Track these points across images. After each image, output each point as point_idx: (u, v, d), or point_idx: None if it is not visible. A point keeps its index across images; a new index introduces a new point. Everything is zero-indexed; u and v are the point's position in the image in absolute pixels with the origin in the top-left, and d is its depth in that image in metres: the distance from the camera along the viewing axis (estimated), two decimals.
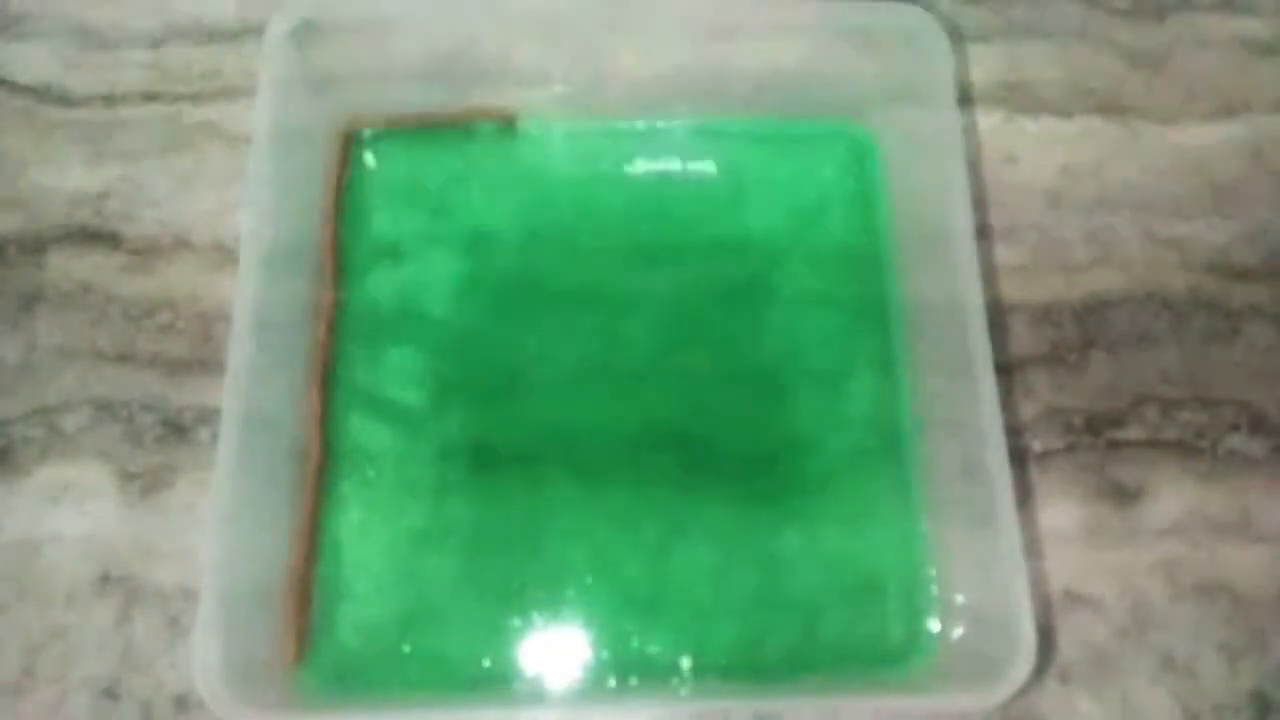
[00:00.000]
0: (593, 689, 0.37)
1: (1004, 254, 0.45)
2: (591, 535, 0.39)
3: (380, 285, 0.42)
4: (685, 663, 0.37)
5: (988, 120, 0.47)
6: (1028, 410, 0.42)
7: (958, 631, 0.37)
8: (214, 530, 0.33)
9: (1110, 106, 0.47)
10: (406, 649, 0.37)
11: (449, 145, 0.44)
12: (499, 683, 0.37)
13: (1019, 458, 0.41)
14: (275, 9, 0.39)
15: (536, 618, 0.38)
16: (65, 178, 0.44)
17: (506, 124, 0.44)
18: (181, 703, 0.37)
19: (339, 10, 0.40)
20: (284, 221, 0.39)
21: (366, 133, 0.44)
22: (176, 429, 0.41)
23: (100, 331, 0.42)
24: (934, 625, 0.38)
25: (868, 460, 0.40)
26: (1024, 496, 0.41)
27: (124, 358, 0.42)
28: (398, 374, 0.41)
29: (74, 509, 0.39)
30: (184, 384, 0.41)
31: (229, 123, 0.45)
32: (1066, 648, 0.39)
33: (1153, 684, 0.39)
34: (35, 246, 0.43)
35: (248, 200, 0.37)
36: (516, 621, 0.38)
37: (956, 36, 0.48)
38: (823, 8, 0.41)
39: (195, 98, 0.46)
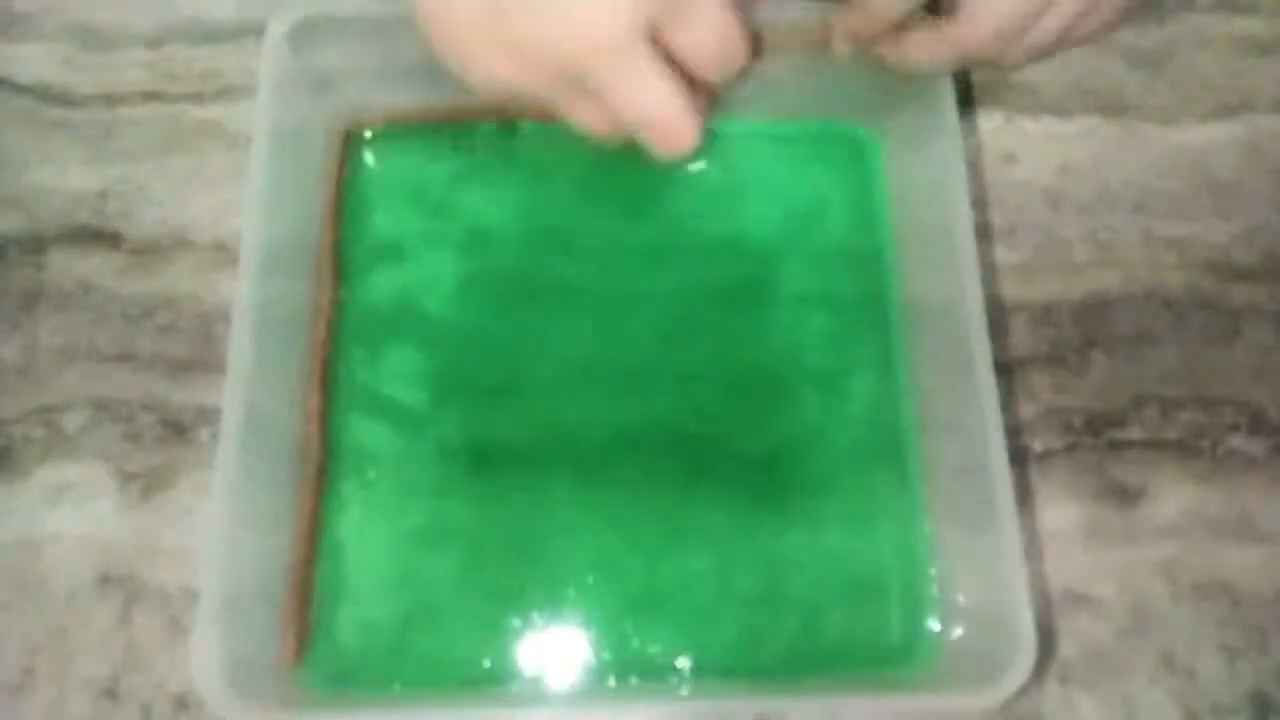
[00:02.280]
0: (593, 689, 0.37)
1: (1004, 254, 0.45)
2: (591, 535, 0.39)
3: (380, 285, 0.42)
4: (685, 663, 0.37)
5: (988, 120, 0.47)
6: (1028, 410, 0.42)
7: (958, 631, 0.37)
8: (214, 530, 0.33)
9: (1110, 106, 0.47)
10: (406, 649, 0.37)
11: (449, 145, 0.44)
12: (499, 682, 0.37)
13: (1019, 458, 0.41)
14: (275, 9, 0.39)
15: (536, 618, 0.38)
16: (65, 178, 0.44)
17: (506, 124, 0.44)
18: (181, 703, 0.37)
19: (339, 10, 0.40)
20: (284, 221, 0.39)
21: (366, 132, 0.44)
22: (176, 429, 0.41)
23: (100, 331, 0.42)
24: (934, 625, 0.38)
25: (868, 460, 0.40)
26: (1024, 496, 0.41)
27: (124, 358, 0.42)
28: (398, 374, 0.41)
29: (74, 509, 0.39)
30: (184, 384, 0.41)
31: (229, 123, 0.45)
32: (1066, 648, 0.39)
33: (1153, 684, 0.39)
34: (35, 246, 0.43)
35: (248, 200, 0.37)
36: (516, 621, 0.38)
37: None
38: (823, 9, 0.41)
39: (195, 98, 0.46)
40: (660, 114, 0.30)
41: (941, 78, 0.39)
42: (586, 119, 0.32)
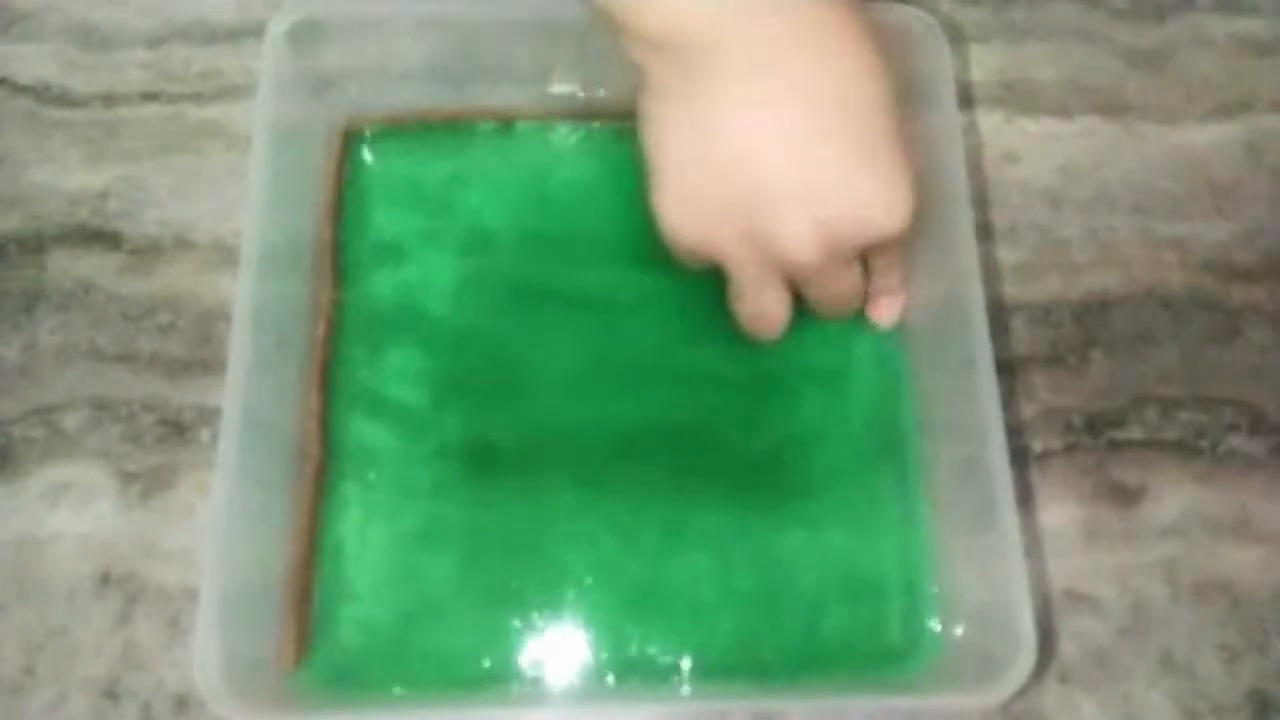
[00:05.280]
0: (593, 689, 0.37)
1: (1004, 254, 0.45)
2: (591, 535, 0.39)
3: (380, 285, 0.42)
4: (685, 663, 0.37)
5: (988, 120, 0.47)
6: (1028, 410, 0.42)
7: (958, 631, 0.37)
8: (214, 530, 0.33)
9: (1110, 106, 0.48)
10: (406, 649, 0.37)
11: (449, 145, 0.44)
12: (499, 682, 0.37)
13: (1019, 458, 0.41)
14: (275, 9, 0.39)
15: (536, 618, 0.38)
16: (65, 178, 0.44)
17: (506, 124, 0.44)
18: (181, 703, 0.37)
19: (339, 10, 0.40)
20: (284, 221, 0.39)
21: (366, 132, 0.44)
22: (176, 429, 0.41)
23: (100, 331, 0.42)
24: (934, 625, 0.38)
25: (868, 460, 0.40)
26: (1024, 497, 0.41)
27: (124, 358, 0.42)
28: (398, 374, 0.41)
29: (74, 509, 0.39)
30: (184, 384, 0.41)
31: (229, 123, 0.45)
32: (1067, 648, 0.39)
33: (1153, 684, 0.39)
34: (36, 246, 0.43)
35: (248, 200, 0.37)
36: (516, 621, 0.38)
37: (956, 36, 0.48)
38: None
39: (195, 98, 0.46)
40: (851, 297, 0.38)
41: (941, 77, 0.40)
42: (760, 305, 0.37)
